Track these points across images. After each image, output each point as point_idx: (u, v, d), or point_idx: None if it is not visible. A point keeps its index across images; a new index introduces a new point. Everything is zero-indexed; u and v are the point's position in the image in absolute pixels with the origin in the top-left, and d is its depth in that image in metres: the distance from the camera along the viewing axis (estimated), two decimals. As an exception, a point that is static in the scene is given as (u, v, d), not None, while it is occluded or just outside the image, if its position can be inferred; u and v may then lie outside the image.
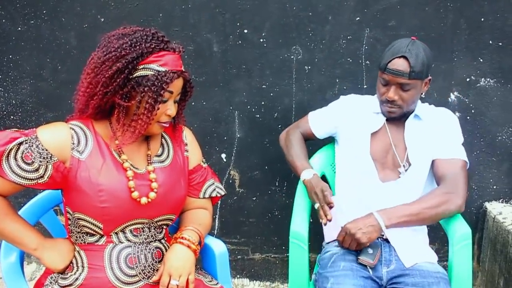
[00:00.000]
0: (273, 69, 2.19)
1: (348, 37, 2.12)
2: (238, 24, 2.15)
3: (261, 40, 2.16)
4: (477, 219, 2.28)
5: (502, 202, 2.25)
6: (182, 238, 1.40)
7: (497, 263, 2.10)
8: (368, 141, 1.74)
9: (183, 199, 1.48)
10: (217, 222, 2.43)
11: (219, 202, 2.38)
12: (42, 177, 1.28)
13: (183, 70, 1.34)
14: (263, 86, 2.22)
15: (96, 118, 1.37)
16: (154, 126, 1.34)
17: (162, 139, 1.49)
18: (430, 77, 1.69)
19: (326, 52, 2.15)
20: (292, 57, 2.17)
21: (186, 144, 1.53)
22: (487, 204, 2.24)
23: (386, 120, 1.76)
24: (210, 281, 1.50)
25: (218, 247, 1.57)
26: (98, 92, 1.27)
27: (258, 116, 2.26)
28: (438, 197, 1.60)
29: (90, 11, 2.20)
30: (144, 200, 1.35)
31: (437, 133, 1.73)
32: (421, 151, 1.71)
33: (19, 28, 2.27)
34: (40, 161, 1.26)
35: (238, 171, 2.35)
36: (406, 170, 1.71)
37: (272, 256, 2.47)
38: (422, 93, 1.70)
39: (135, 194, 1.34)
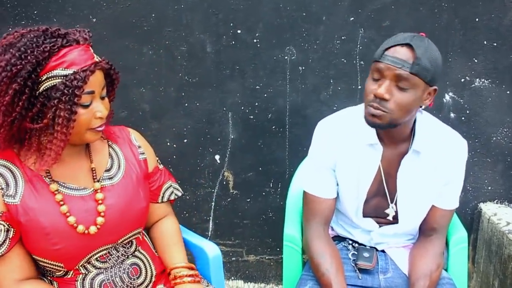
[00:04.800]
0: (267, 70, 2.17)
1: (342, 38, 2.11)
2: (231, 24, 2.13)
3: (255, 40, 2.14)
4: (472, 220, 2.27)
5: (497, 203, 2.24)
6: (180, 277, 1.34)
7: (492, 264, 2.09)
8: (363, 200, 1.51)
9: (146, 210, 1.35)
10: (211, 224, 2.41)
11: (213, 203, 2.37)
12: (7, 233, 1.13)
13: (98, 60, 1.13)
14: (257, 87, 2.20)
15: (19, 147, 1.18)
16: (87, 133, 1.16)
17: (110, 149, 1.32)
18: (436, 88, 1.33)
19: (320, 53, 2.13)
20: (286, 57, 2.15)
21: (139, 147, 1.37)
22: (482, 205, 2.24)
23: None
24: (207, 286, 1.47)
25: (212, 250, 1.55)
26: (3, 123, 1.07)
27: (252, 117, 2.24)
28: (439, 271, 1.48)
29: (82, 12, 2.17)
30: (93, 229, 1.20)
31: (439, 177, 1.46)
32: (413, 196, 1.48)
33: (10, 29, 2.22)
34: None
35: (232, 172, 2.33)
36: (395, 211, 1.51)
37: (267, 257, 2.46)
38: (421, 106, 1.34)
39: (80, 228, 1.18)
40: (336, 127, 1.50)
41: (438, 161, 1.45)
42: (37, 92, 1.06)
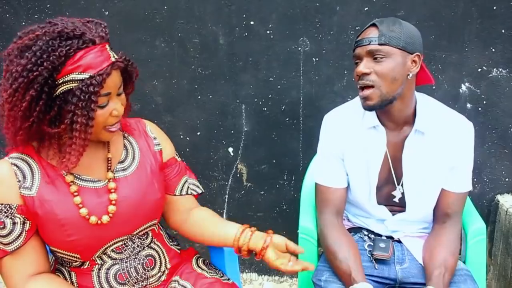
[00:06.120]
0: (280, 61, 2.16)
1: (357, 28, 2.08)
2: (244, 15, 2.11)
3: (268, 32, 2.12)
4: (489, 212, 2.25)
5: (514, 195, 2.22)
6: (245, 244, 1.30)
7: (510, 257, 2.07)
8: (375, 185, 1.52)
9: (161, 201, 1.34)
10: (224, 216, 2.41)
11: (227, 196, 2.37)
12: (24, 225, 1.15)
13: (114, 59, 1.10)
14: (270, 79, 2.19)
15: (38, 144, 1.19)
16: (102, 133, 1.16)
17: (125, 141, 1.32)
18: (418, 54, 1.37)
19: (334, 44, 2.11)
20: (299, 49, 2.13)
21: (155, 138, 1.37)
22: (499, 197, 2.21)
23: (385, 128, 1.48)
24: (222, 277, 1.46)
25: (226, 242, 1.55)
26: (21, 126, 1.08)
27: (265, 109, 2.23)
28: (456, 256, 1.46)
29: (94, 5, 2.17)
30: (105, 218, 1.20)
31: (444, 159, 1.46)
32: (418, 178, 1.48)
33: (23, 23, 2.24)
34: (6, 217, 1.13)
35: (246, 165, 2.33)
36: (402, 193, 1.52)
37: (281, 250, 2.45)
38: (409, 74, 1.36)
39: (93, 219, 1.18)
40: (340, 117, 1.55)
41: (443, 142, 1.45)
42: (54, 95, 1.06)
